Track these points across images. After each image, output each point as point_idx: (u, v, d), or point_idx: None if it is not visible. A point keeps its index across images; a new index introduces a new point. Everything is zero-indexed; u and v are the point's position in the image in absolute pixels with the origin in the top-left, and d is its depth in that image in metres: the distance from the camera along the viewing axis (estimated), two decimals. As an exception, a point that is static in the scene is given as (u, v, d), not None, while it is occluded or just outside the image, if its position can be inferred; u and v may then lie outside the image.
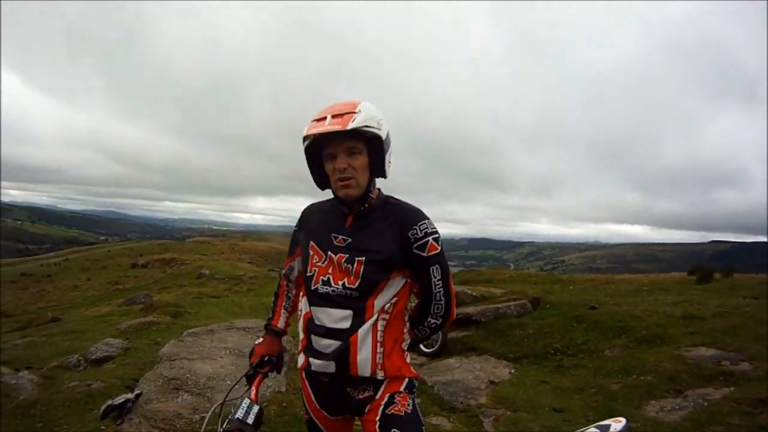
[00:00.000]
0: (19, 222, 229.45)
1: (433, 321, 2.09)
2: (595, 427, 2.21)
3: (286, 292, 2.31)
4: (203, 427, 1.80)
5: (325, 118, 1.88)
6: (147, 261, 39.32)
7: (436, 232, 2.00)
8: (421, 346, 8.14)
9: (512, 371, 7.02)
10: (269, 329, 2.27)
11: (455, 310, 2.12)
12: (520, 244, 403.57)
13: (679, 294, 11.10)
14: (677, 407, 5.24)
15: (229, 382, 5.16)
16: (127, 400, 4.50)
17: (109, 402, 4.43)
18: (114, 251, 57.69)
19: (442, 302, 2.05)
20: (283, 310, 2.30)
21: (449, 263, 2.06)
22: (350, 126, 1.84)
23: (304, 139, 1.93)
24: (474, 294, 11.10)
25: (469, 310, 9.58)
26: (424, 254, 1.97)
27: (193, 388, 5.02)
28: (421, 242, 1.96)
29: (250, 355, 2.19)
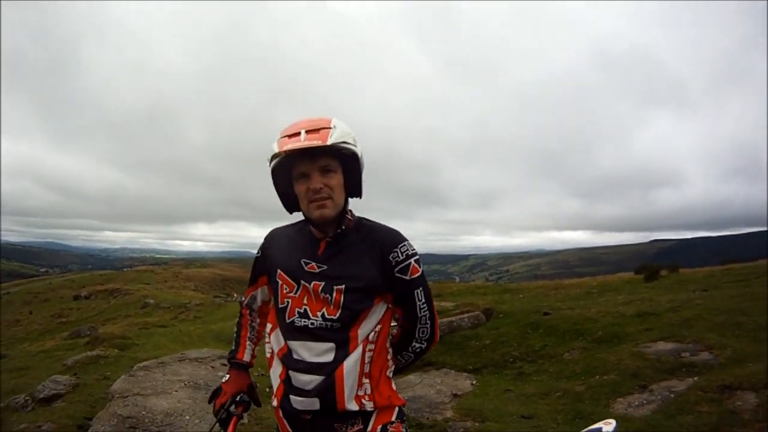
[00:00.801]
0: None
1: (418, 345, 1.97)
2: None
3: (249, 322, 2.13)
4: None
5: (298, 133, 1.71)
6: (90, 292, 37.64)
7: (417, 254, 1.88)
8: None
9: (474, 382, 7.00)
10: (234, 363, 2.08)
11: (439, 332, 2.01)
12: (465, 257, 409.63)
13: (629, 293, 11.47)
14: (645, 402, 5.35)
15: (188, 418, 4.91)
16: (80, 443, 4.26)
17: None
18: (55, 283, 55.10)
19: (428, 325, 1.94)
20: (248, 342, 2.11)
21: None
22: (329, 141, 1.69)
23: (273, 156, 1.76)
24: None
25: (423, 325, 9.66)
26: (407, 278, 1.84)
27: (151, 426, 4.74)
28: (403, 265, 1.83)
29: (214, 395, 1.99)
